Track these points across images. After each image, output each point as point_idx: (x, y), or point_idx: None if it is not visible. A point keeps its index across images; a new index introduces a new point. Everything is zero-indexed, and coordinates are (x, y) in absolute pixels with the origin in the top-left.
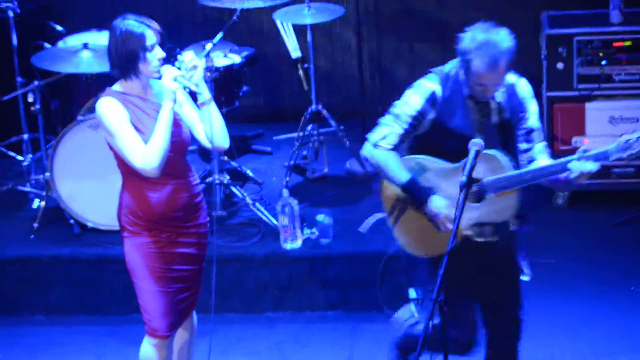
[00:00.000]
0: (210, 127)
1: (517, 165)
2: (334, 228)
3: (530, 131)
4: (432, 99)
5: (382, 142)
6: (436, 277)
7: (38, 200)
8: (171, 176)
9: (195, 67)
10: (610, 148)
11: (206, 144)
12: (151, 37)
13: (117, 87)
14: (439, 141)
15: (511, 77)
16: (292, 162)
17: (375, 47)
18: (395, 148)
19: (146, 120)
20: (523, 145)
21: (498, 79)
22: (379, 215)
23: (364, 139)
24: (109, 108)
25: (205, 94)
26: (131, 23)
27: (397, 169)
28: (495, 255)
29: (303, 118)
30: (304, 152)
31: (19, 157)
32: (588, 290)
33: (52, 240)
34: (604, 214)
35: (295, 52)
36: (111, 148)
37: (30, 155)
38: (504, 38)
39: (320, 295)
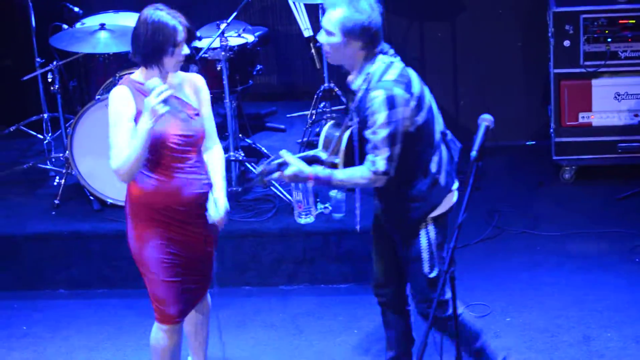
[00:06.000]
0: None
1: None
2: (347, 203)
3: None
4: None
5: None
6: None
7: (58, 177)
8: (181, 170)
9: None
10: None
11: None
12: (182, 33)
13: (135, 75)
14: None
15: (375, 82)
16: (305, 139)
17: (387, 25)
18: None
19: None
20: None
21: (328, 23)
22: None
23: None
24: (117, 99)
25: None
26: (164, 15)
27: None
28: None
29: (315, 96)
30: (317, 129)
31: (40, 136)
32: (594, 262)
33: (73, 216)
34: (610, 188)
35: (307, 31)
36: None
37: (50, 134)
38: None
39: (334, 269)
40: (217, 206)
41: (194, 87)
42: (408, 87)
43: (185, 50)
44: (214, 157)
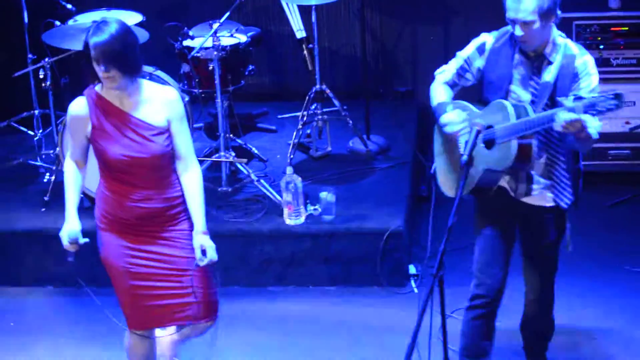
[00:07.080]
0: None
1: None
2: (337, 205)
3: (577, 98)
4: (481, 48)
5: (439, 75)
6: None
7: (48, 174)
8: (137, 186)
9: None
10: (597, 98)
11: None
12: (91, 51)
13: (99, 87)
14: (482, 93)
15: (574, 49)
16: (296, 140)
17: (379, 28)
18: (450, 85)
19: (109, 127)
20: None
21: (525, 14)
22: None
23: (366, 119)
24: (71, 109)
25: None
26: (91, 29)
27: (436, 95)
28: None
29: (307, 97)
30: (308, 131)
31: (30, 132)
32: (583, 269)
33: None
34: (600, 195)
35: (299, 32)
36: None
37: (40, 131)
38: None
39: (322, 271)
40: (206, 251)
41: (164, 102)
42: None
43: (99, 70)
44: (190, 186)
